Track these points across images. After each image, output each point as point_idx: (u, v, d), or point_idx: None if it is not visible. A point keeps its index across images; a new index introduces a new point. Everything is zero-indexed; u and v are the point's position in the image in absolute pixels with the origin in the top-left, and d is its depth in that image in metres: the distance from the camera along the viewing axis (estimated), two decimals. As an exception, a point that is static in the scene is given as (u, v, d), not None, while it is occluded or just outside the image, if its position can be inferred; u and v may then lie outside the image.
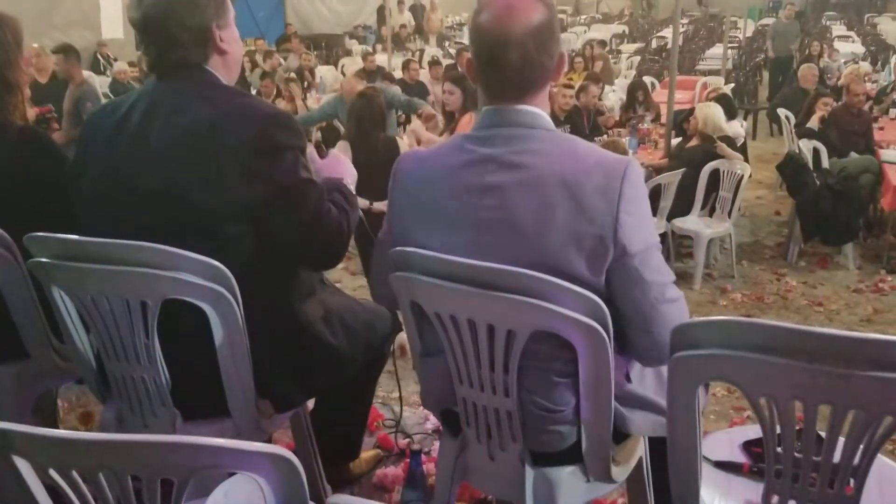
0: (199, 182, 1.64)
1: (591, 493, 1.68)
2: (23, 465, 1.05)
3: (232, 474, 1.27)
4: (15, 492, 1.08)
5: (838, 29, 16.50)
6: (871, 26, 17.18)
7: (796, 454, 1.27)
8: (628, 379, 1.64)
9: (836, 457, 1.26)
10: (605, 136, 6.46)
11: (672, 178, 5.48)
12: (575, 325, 1.44)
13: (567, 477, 1.61)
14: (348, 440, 2.29)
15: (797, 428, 1.27)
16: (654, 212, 5.44)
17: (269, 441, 2.37)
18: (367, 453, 2.43)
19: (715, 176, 5.51)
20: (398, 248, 1.60)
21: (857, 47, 13.07)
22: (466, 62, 1.58)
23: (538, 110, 1.54)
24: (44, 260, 1.63)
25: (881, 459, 1.59)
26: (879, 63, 11.74)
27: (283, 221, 1.71)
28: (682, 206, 5.56)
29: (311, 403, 2.22)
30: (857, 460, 1.24)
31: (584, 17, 19.69)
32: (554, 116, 6.58)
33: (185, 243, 1.61)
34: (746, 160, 6.15)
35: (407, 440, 2.58)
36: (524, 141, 1.51)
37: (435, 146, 1.70)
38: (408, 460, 2.33)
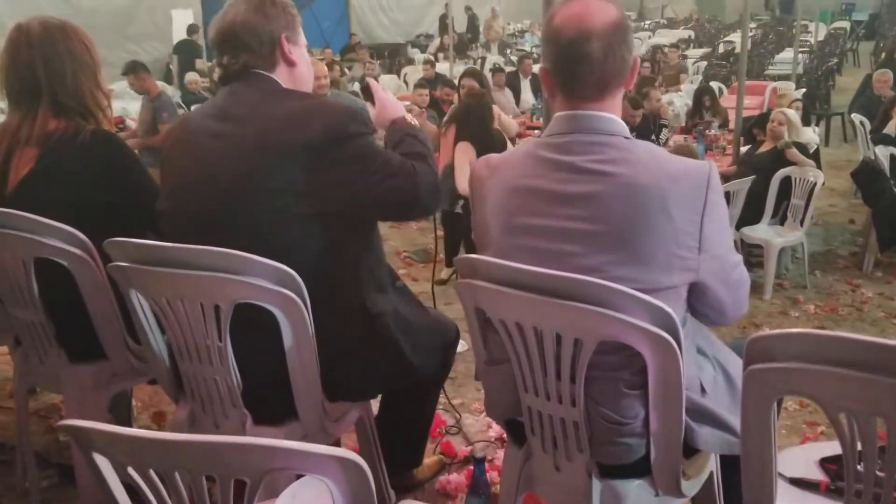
0: (278, 176, 1.70)
1: (662, 506, 1.64)
2: (102, 463, 1.08)
3: (300, 476, 1.29)
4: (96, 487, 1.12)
5: (915, 31, 15.93)
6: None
7: (878, 473, 1.22)
8: (703, 391, 1.60)
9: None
10: (670, 142, 6.36)
11: (741, 186, 5.35)
12: (643, 334, 1.42)
13: (635, 490, 1.58)
14: (412, 446, 2.30)
15: (879, 445, 1.22)
16: (722, 220, 5.33)
17: (337, 445, 2.40)
18: (429, 459, 2.44)
19: (786, 183, 5.37)
20: (462, 256, 1.60)
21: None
22: (542, 72, 1.59)
23: (614, 116, 1.54)
24: (123, 264, 1.68)
25: None
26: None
27: (366, 191, 1.75)
28: (751, 214, 5.43)
29: (375, 409, 2.24)
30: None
31: (648, 22, 19.43)
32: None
33: (263, 237, 1.69)
34: (819, 167, 5.96)
35: (470, 447, 2.58)
36: (605, 148, 1.50)
37: (506, 152, 1.70)
38: (471, 468, 2.32)
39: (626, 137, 1.54)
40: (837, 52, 14.65)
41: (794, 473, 1.56)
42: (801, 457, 1.61)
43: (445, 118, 5.17)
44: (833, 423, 1.22)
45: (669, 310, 1.42)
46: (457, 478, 2.37)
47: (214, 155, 1.75)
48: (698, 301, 1.58)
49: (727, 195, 5.25)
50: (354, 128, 1.75)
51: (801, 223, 5.36)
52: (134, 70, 6.30)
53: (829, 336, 1.20)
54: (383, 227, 6.47)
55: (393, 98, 2.10)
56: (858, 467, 1.25)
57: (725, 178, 5.57)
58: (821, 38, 15.19)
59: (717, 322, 1.68)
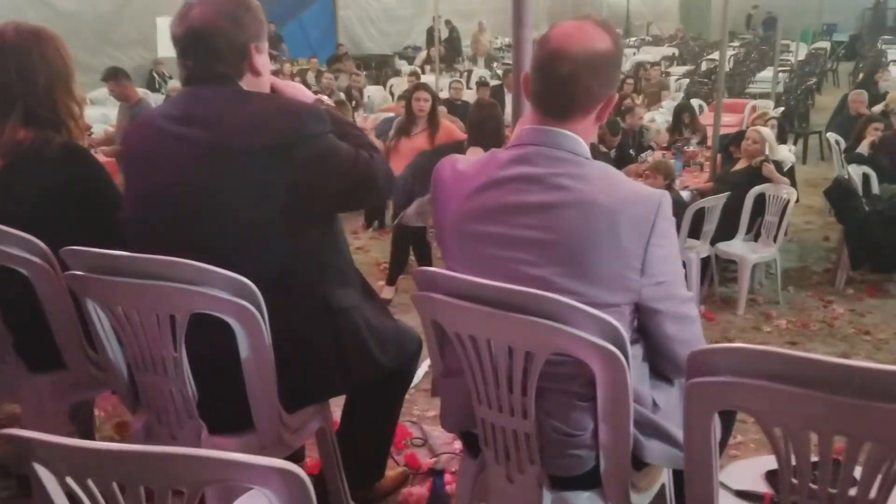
0: (243, 179, 1.73)
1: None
2: (43, 473, 1.09)
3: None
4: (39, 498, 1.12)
5: (894, 53, 16.10)
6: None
7: (811, 485, 1.25)
8: (655, 406, 1.62)
9: (854, 490, 1.23)
10: (649, 158, 6.42)
11: (716, 202, 5.41)
12: (592, 348, 1.44)
13: (585, 502, 1.60)
14: (374, 459, 2.30)
15: (815, 460, 1.24)
16: (698, 235, 5.38)
17: (300, 457, 2.41)
18: (393, 472, 2.44)
19: (761, 200, 5.43)
20: (421, 269, 1.62)
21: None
22: (523, 77, 1.64)
23: (579, 138, 1.57)
24: (79, 273, 1.69)
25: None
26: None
27: (330, 187, 1.81)
28: (727, 230, 5.48)
29: (338, 421, 2.24)
30: (873, 493, 1.21)
31: (633, 39, 19.61)
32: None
33: (229, 238, 1.72)
34: (794, 185, 6.03)
35: (434, 460, 2.59)
36: (565, 164, 1.54)
37: (473, 158, 1.73)
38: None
39: (587, 158, 1.57)
40: (818, 71, 14.83)
41: (740, 486, 1.58)
42: (747, 470, 1.64)
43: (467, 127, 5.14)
44: (768, 437, 1.25)
45: (617, 324, 1.44)
46: (419, 490, 2.37)
47: (180, 160, 1.76)
48: (648, 336, 1.60)
49: (702, 211, 5.32)
50: (315, 127, 1.78)
51: (775, 239, 5.42)
52: (114, 76, 6.28)
53: (764, 351, 1.22)
54: (364, 239, 6.51)
55: (300, 86, 2.11)
56: (794, 480, 1.27)
57: (702, 194, 5.63)
58: (802, 57, 15.37)
59: (671, 369, 1.64)
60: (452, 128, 5.30)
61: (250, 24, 1.81)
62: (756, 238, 5.54)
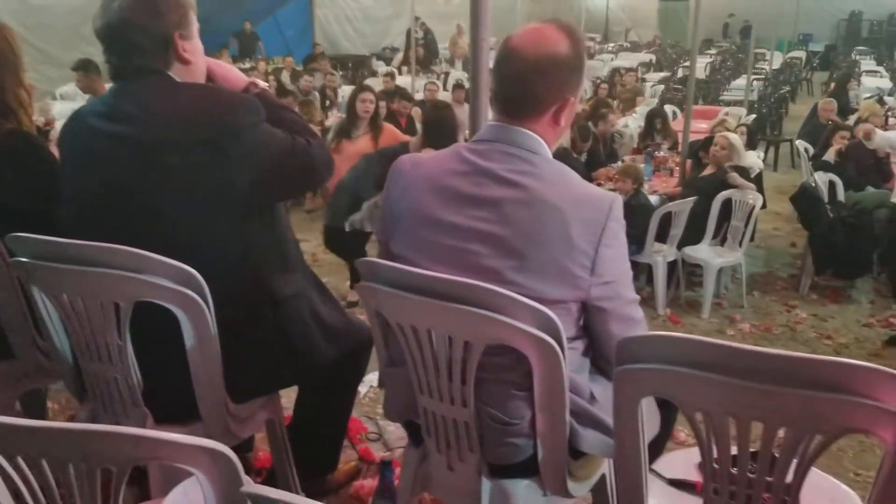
0: (175, 174, 1.73)
1: (551, 506, 1.69)
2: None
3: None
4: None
5: (867, 64, 16.37)
6: (899, 62, 17.06)
7: (732, 470, 1.28)
8: (592, 398, 1.65)
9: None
10: (620, 163, 6.48)
11: (683, 206, 5.47)
12: (528, 338, 1.47)
13: (523, 490, 1.63)
14: (326, 451, 2.31)
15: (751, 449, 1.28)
16: (665, 239, 5.44)
17: (250, 450, 2.42)
18: (346, 465, 2.46)
19: (728, 205, 5.50)
20: (364, 259, 1.64)
21: (885, 82, 12.95)
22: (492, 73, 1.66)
23: (538, 137, 1.60)
24: (24, 259, 1.69)
25: (815, 471, 1.60)
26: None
27: (267, 176, 1.81)
28: (694, 235, 5.55)
29: (293, 413, 2.25)
30: (790, 477, 1.24)
31: (612, 45, 19.76)
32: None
33: (165, 234, 1.72)
34: (761, 191, 6.12)
35: (389, 453, 2.61)
36: (521, 162, 1.57)
37: (434, 153, 1.76)
38: (385, 472, 2.34)
39: (544, 157, 1.61)
40: (792, 80, 15.02)
41: (673, 475, 1.61)
42: (681, 459, 1.67)
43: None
44: (690, 423, 1.28)
45: (553, 315, 1.47)
46: (371, 483, 2.39)
47: (108, 157, 1.76)
48: (593, 334, 1.64)
49: (670, 215, 5.38)
50: (246, 119, 1.79)
51: (741, 244, 5.50)
52: (85, 67, 6.24)
53: (685, 339, 1.26)
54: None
55: (233, 69, 2.12)
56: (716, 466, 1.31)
57: (671, 198, 5.69)
58: (777, 66, 15.57)
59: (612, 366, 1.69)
60: (395, 130, 5.29)
61: (170, 12, 1.80)
62: (722, 243, 5.61)
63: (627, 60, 15.53)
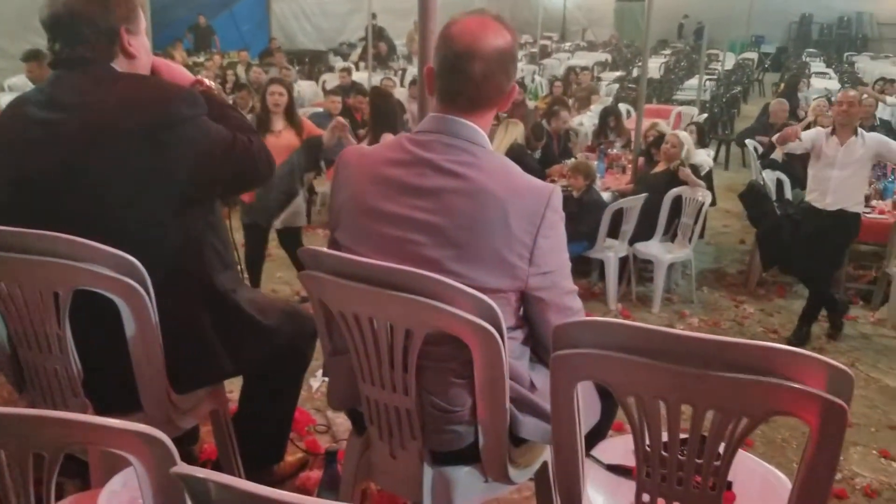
0: (111, 163, 1.71)
1: (489, 492, 1.72)
2: None
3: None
4: None
5: (817, 66, 16.79)
6: (848, 64, 17.52)
7: (663, 453, 1.32)
8: (533, 386, 1.68)
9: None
10: (574, 160, 6.55)
11: (634, 203, 5.56)
12: (468, 325, 1.49)
13: (464, 476, 1.65)
14: (271, 443, 2.31)
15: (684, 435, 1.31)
16: (617, 235, 5.53)
17: (195, 442, 2.40)
18: (292, 457, 2.46)
19: (678, 202, 5.60)
20: (307, 248, 1.65)
21: (834, 84, 13.30)
22: (427, 70, 1.67)
23: (480, 129, 1.62)
24: (-42, 248, 1.66)
25: (747, 456, 1.66)
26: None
27: (205, 171, 1.80)
28: (645, 231, 5.64)
29: (238, 404, 2.24)
30: (718, 459, 1.28)
31: (568, 44, 19.94)
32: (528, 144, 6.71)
33: (99, 225, 1.70)
34: (710, 188, 6.24)
35: (335, 444, 2.61)
36: (462, 153, 1.59)
37: (378, 144, 1.76)
38: (333, 463, 2.35)
39: (486, 149, 1.62)
40: (744, 81, 15.34)
41: (612, 461, 1.65)
42: (619, 445, 1.71)
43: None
44: (622, 407, 1.31)
45: (493, 303, 1.49)
46: (318, 474, 2.39)
47: (47, 145, 1.74)
48: (532, 324, 1.67)
49: (620, 211, 5.47)
50: (185, 111, 1.78)
51: (690, 241, 5.61)
52: (36, 57, 6.11)
53: (617, 324, 1.29)
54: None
55: (179, 67, 2.12)
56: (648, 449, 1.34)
57: (623, 195, 5.78)
58: (729, 67, 15.88)
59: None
60: (311, 124, 5.28)
61: (118, 6, 1.80)
62: (673, 239, 5.72)
63: (584, 59, 15.70)
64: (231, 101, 7.64)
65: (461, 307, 1.48)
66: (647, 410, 1.29)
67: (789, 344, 4.90)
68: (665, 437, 1.33)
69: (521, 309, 1.64)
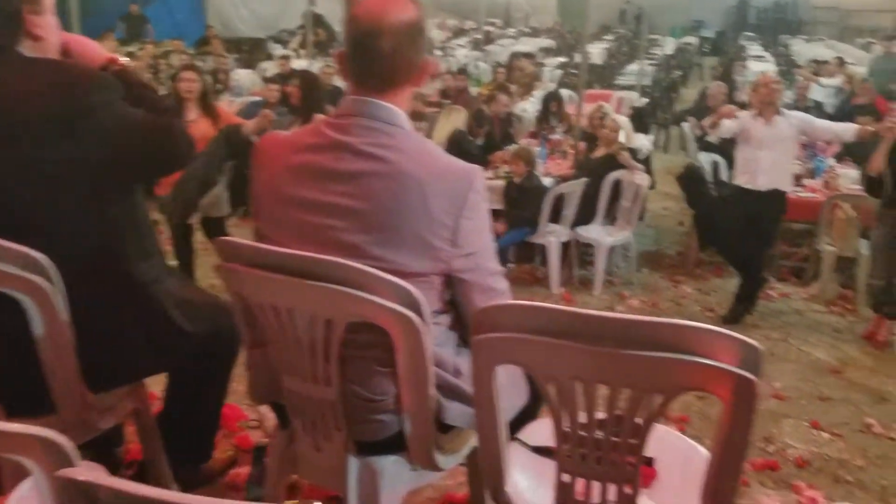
0: (23, 152, 1.65)
1: (417, 480, 1.70)
2: None
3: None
4: None
5: (755, 49, 17.15)
6: (783, 47, 17.95)
7: (581, 433, 1.32)
8: (459, 373, 1.66)
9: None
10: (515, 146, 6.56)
11: (574, 188, 5.60)
12: (388, 313, 1.46)
13: (391, 465, 1.63)
14: (199, 442, 2.25)
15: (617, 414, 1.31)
16: (558, 220, 5.56)
17: (120, 443, 2.33)
18: (222, 454, 2.40)
19: (618, 186, 5.66)
20: (223, 238, 1.60)
21: (770, 66, 13.59)
22: (339, 54, 1.63)
23: (398, 109, 1.59)
24: None
25: (670, 433, 1.68)
26: (788, 82, 12.21)
27: (122, 156, 1.75)
28: (586, 215, 5.70)
29: (163, 402, 2.18)
30: (634, 436, 1.29)
31: (512, 30, 19.99)
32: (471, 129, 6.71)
33: (13, 214, 1.64)
34: (649, 172, 6.32)
35: (264, 440, 2.56)
36: (381, 135, 1.55)
37: (296, 130, 1.72)
38: (266, 459, 2.31)
39: (406, 130, 1.59)
40: (684, 65, 15.59)
41: (537, 442, 1.65)
42: (544, 427, 1.71)
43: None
44: (540, 388, 1.31)
45: (414, 290, 1.47)
46: (248, 470, 2.35)
47: None
48: (458, 306, 1.65)
49: (562, 196, 5.50)
50: (98, 97, 1.72)
51: (630, 224, 5.68)
52: None
53: (533, 306, 1.28)
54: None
55: (90, 43, 2.03)
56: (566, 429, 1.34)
57: (565, 180, 5.82)
58: (670, 51, 16.12)
59: None
60: (229, 112, 5.19)
61: None
62: (613, 222, 5.78)
63: (528, 45, 15.75)
64: (166, 93, 7.45)
65: (381, 295, 1.46)
66: (564, 391, 1.29)
67: (724, 322, 5.01)
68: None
69: (448, 293, 1.63)
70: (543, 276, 5.67)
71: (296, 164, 1.58)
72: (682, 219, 7.18)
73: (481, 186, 1.57)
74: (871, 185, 4.72)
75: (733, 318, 5.05)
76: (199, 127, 4.56)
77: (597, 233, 5.64)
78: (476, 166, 1.59)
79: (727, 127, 5.15)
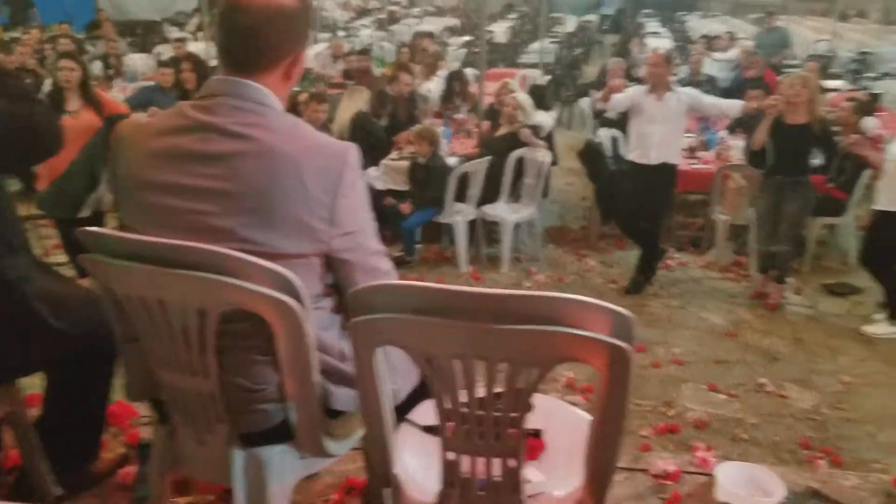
0: None
1: (308, 468, 1.67)
2: None
3: None
4: None
5: (652, 25, 17.61)
6: (680, 23, 18.50)
7: (463, 410, 1.31)
8: (344, 357, 1.62)
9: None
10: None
11: (478, 167, 5.62)
12: (264, 300, 1.41)
13: (278, 455, 1.58)
14: (82, 443, 2.14)
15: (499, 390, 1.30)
16: (464, 199, 5.58)
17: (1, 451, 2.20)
18: (110, 453, 2.30)
19: (522, 163, 5.71)
20: (87, 229, 1.51)
21: (667, 43, 13.97)
22: (213, 32, 1.55)
23: (266, 89, 1.53)
24: None
25: (560, 404, 1.70)
26: (683, 57, 12.57)
27: None
28: (492, 193, 5.73)
29: (42, 404, 2.07)
30: (514, 410, 1.29)
31: (417, 9, 19.89)
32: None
33: None
34: (552, 149, 6.40)
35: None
36: (249, 115, 1.50)
37: (158, 114, 1.63)
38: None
39: (276, 110, 1.54)
40: (586, 42, 15.86)
41: (427, 422, 1.63)
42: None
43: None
44: (420, 368, 1.29)
45: (290, 274, 1.42)
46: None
47: None
48: (341, 288, 1.60)
49: (466, 176, 5.51)
50: None
51: (535, 200, 5.74)
52: None
53: (406, 285, 1.26)
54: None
55: None
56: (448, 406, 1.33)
57: (470, 159, 5.83)
58: (572, 29, 16.36)
59: None
60: (116, 102, 4.98)
61: None
62: (518, 200, 5.84)
63: (433, 25, 15.70)
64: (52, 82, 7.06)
65: (255, 280, 1.40)
66: (443, 369, 1.27)
67: (626, 293, 5.15)
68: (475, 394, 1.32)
69: (329, 275, 1.58)
70: (452, 256, 5.69)
71: (158, 149, 1.50)
72: (585, 194, 7.33)
73: (356, 164, 1.53)
74: (754, 157, 4.93)
75: (635, 288, 5.19)
76: (82, 118, 4.33)
77: (502, 210, 5.69)
78: (350, 143, 1.55)
79: (618, 100, 5.27)
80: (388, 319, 1.27)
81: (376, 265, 1.60)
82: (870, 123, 5.79)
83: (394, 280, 1.64)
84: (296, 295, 1.43)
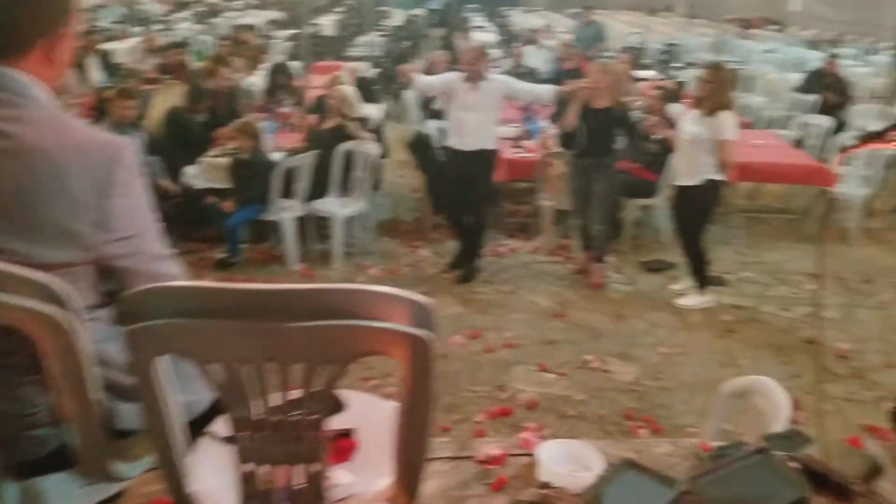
0: None
1: (98, 495, 1.50)
2: None
3: None
4: None
5: (477, 20, 18.05)
6: (503, 18, 19.09)
7: (259, 416, 1.21)
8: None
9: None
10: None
11: (305, 161, 5.48)
12: (24, 314, 1.24)
13: (60, 485, 1.41)
14: None
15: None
16: (291, 194, 5.40)
17: None
18: None
19: (351, 157, 5.62)
20: None
21: (492, 37, 14.33)
22: None
23: (30, 80, 1.34)
24: None
25: (374, 400, 1.64)
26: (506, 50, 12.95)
27: None
28: (322, 188, 5.60)
29: None
30: (315, 412, 1.21)
31: (239, 2, 19.22)
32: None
33: None
34: (380, 141, 6.36)
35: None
36: (6, 106, 1.31)
37: None
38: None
39: (34, 99, 1.35)
40: (414, 36, 15.99)
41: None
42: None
43: None
44: (205, 376, 1.18)
45: (55, 282, 1.26)
46: None
47: None
48: None
49: (292, 170, 5.34)
50: None
51: (365, 194, 5.67)
52: None
53: (186, 287, 1.15)
54: None
55: None
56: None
57: (297, 153, 5.65)
58: (399, 23, 16.44)
59: None
60: None
61: None
62: (348, 194, 5.74)
63: (256, 17, 15.24)
64: None
65: (11, 292, 1.23)
66: (231, 375, 1.17)
67: (459, 282, 5.20)
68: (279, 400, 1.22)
69: (104, 284, 1.42)
70: (280, 254, 5.51)
71: None
72: (416, 185, 7.35)
73: (132, 160, 1.38)
74: (566, 139, 5.13)
75: (466, 276, 5.25)
76: None
77: (332, 205, 5.57)
78: (125, 138, 1.40)
79: (429, 82, 5.40)
80: (162, 325, 1.15)
81: (160, 270, 1.45)
82: (675, 109, 6.18)
83: (178, 272, 1.51)
84: (65, 305, 1.27)
